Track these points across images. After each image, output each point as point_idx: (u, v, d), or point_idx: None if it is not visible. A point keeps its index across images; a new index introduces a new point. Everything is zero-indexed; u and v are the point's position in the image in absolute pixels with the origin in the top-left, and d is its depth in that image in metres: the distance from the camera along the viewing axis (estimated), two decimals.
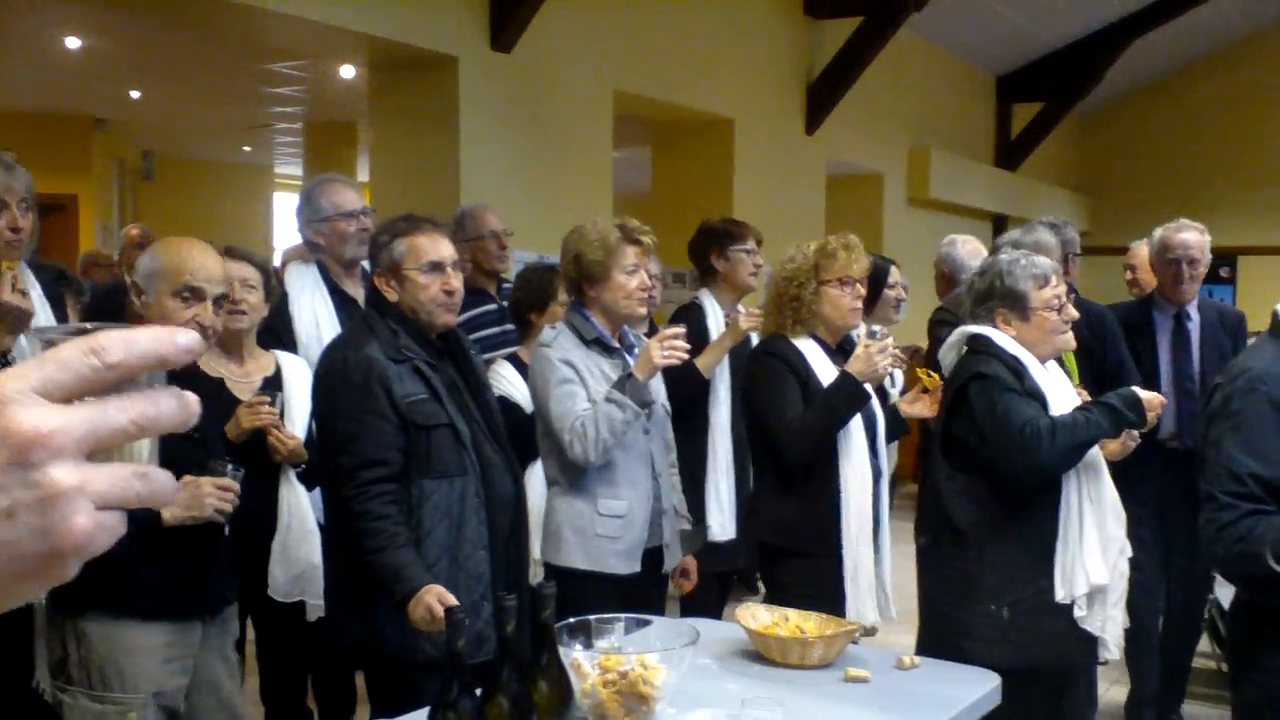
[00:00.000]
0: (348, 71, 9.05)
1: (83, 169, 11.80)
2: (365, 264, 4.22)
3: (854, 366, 3.49)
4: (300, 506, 3.52)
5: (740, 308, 4.92)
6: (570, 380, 3.43)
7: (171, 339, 0.64)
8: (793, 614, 2.80)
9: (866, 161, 10.98)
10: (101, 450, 0.63)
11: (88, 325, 0.68)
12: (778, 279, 3.72)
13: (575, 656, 2.19)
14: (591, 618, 2.38)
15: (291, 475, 3.52)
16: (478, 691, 1.99)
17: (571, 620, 2.32)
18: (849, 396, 3.49)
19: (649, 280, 3.59)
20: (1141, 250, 6.49)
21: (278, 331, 3.78)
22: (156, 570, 2.71)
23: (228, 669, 2.97)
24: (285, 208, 15.80)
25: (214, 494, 2.72)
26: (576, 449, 3.37)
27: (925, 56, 11.66)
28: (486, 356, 4.29)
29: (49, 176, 10.14)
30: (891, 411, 3.86)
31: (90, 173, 11.91)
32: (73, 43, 8.68)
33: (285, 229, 14.65)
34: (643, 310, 3.63)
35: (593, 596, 3.26)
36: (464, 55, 6.68)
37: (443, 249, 3.06)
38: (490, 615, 2.90)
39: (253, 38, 7.21)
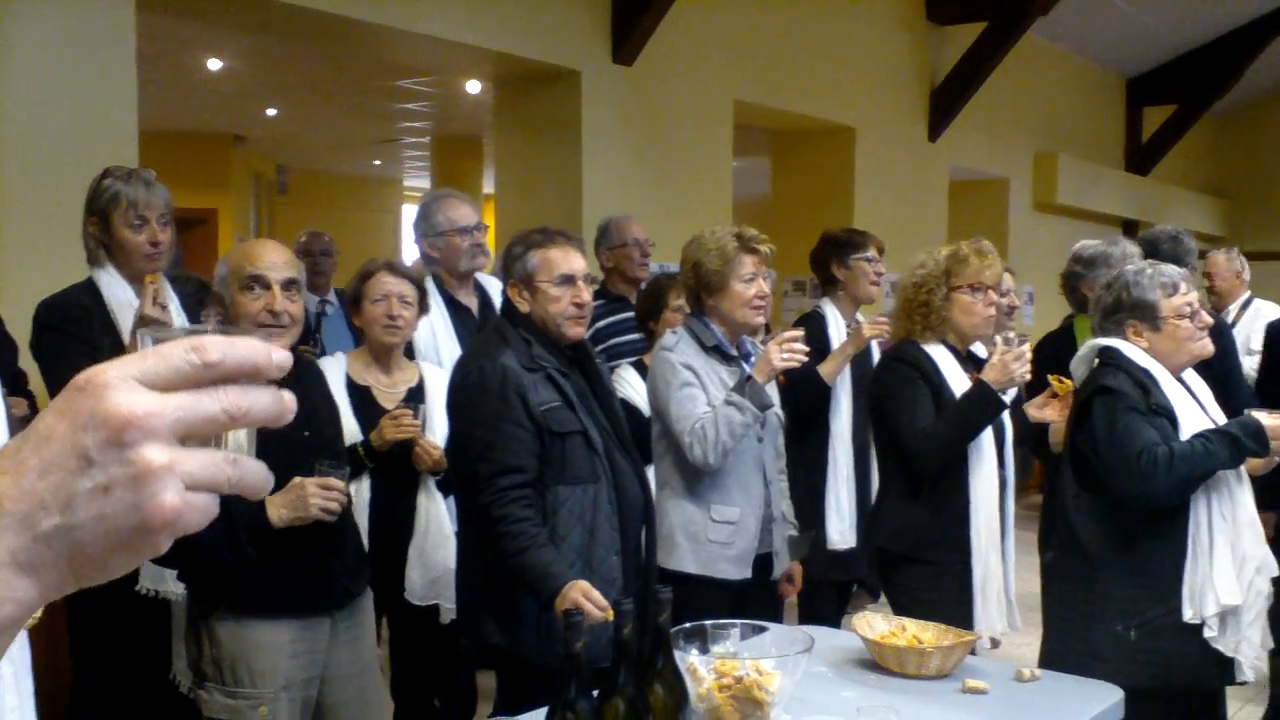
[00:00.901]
0: (474, 87, 9.24)
1: (222, 184, 12.25)
2: (479, 276, 4.35)
3: (989, 375, 3.42)
4: (438, 513, 3.63)
5: (860, 316, 4.91)
6: (691, 384, 3.47)
7: (267, 352, 0.68)
8: (910, 623, 2.79)
9: (991, 167, 10.81)
10: (194, 436, 0.67)
11: (199, 326, 0.73)
12: (907, 284, 3.70)
13: (691, 661, 2.22)
14: (707, 623, 2.40)
15: (430, 483, 3.64)
16: (595, 693, 2.04)
17: (688, 625, 2.36)
18: (984, 406, 3.44)
19: (766, 289, 3.60)
20: (1219, 258, 6.29)
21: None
22: (277, 570, 2.79)
23: (361, 662, 3.03)
24: (412, 220, 16.18)
25: (318, 494, 2.77)
26: (696, 451, 3.41)
27: (1052, 59, 11.44)
28: (614, 363, 4.38)
29: (191, 192, 10.58)
30: (1018, 416, 3.81)
31: (229, 188, 12.36)
32: (214, 64, 9.05)
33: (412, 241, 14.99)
34: (759, 319, 3.65)
35: (704, 601, 3.29)
36: (587, 69, 6.79)
37: (574, 262, 3.11)
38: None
39: (383, 55, 7.42)
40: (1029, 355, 3.46)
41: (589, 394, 3.14)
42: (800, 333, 3.57)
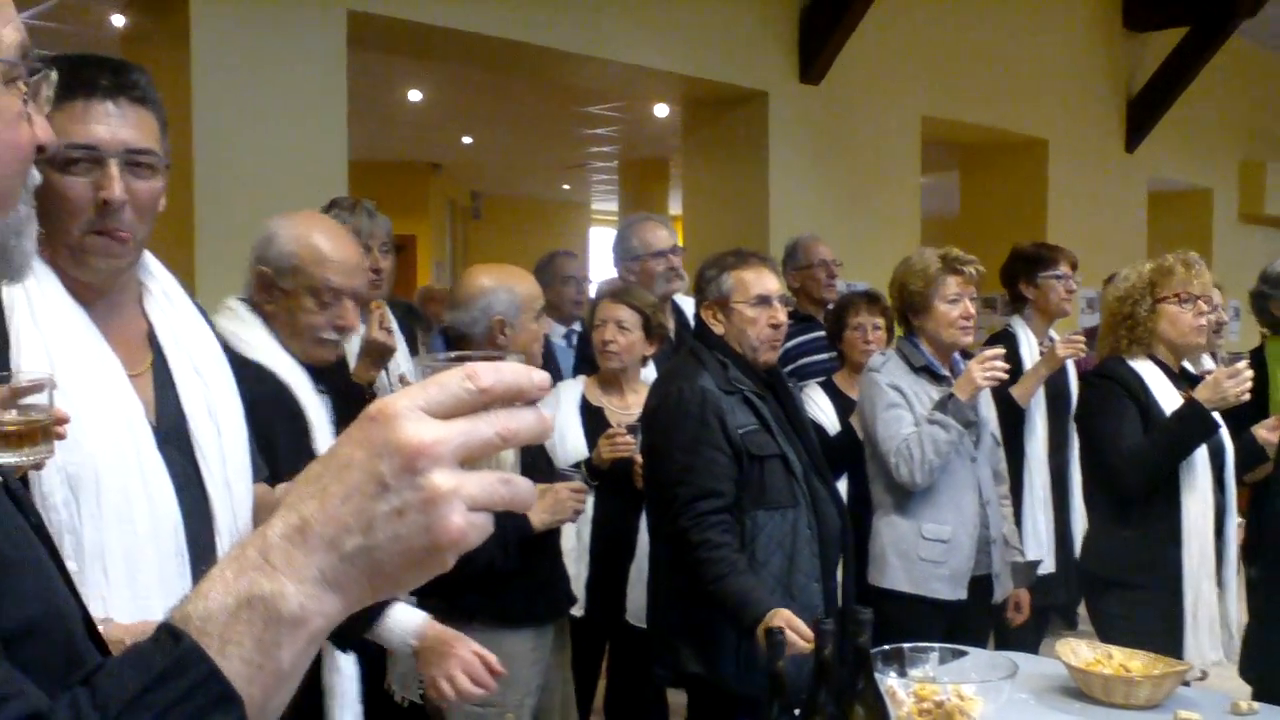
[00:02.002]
0: (661, 110, 9.40)
1: (421, 211, 12.73)
2: (675, 298, 4.43)
3: (1202, 393, 3.30)
4: None
5: (1054, 334, 4.81)
6: (897, 404, 3.48)
7: (529, 375, 0.75)
8: (1117, 651, 2.73)
9: (1192, 177, 10.39)
10: (472, 460, 0.73)
11: (465, 354, 0.81)
12: (1110, 299, 3.62)
13: (890, 684, 2.23)
14: (905, 646, 2.41)
15: None
16: (795, 712, 2.07)
17: (886, 647, 2.36)
18: (1196, 425, 3.31)
19: (971, 309, 3.59)
20: None
21: (591, 359, 4.02)
22: (524, 578, 2.89)
23: (564, 672, 3.14)
24: (600, 242, 16.48)
25: (571, 498, 2.93)
26: (903, 471, 3.41)
27: (1259, 63, 10.93)
28: (802, 383, 4.40)
29: (393, 220, 11.02)
30: (1244, 439, 3.64)
31: (427, 214, 12.83)
32: (414, 95, 9.45)
33: (601, 262, 15.27)
34: (966, 338, 3.64)
35: (917, 620, 3.28)
36: (774, 89, 6.84)
37: (769, 283, 3.15)
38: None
39: (574, 82, 7.63)
40: (1248, 375, 3.33)
41: (783, 417, 3.15)
42: (1001, 350, 3.55)
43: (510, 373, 0.74)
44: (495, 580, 2.81)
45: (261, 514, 1.87)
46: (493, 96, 9.52)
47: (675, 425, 3.03)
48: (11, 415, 1.45)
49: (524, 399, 0.75)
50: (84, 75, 1.69)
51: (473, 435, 0.72)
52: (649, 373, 3.89)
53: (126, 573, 1.65)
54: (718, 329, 3.15)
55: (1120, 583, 3.46)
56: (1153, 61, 9.29)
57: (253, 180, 4.74)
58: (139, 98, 1.73)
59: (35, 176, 1.04)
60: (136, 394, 1.72)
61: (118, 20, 5.25)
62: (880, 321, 4.30)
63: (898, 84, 7.53)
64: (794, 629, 2.60)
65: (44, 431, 1.48)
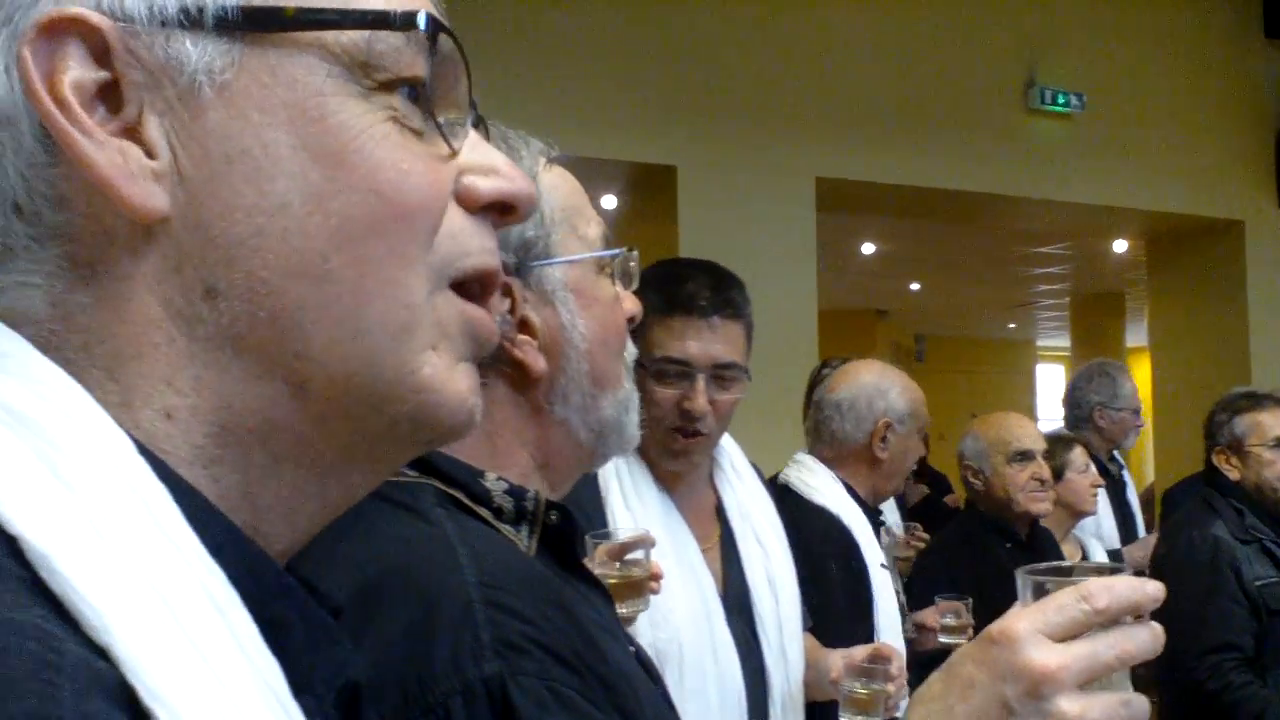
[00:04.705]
0: (1119, 246, 9.16)
1: (866, 354, 12.94)
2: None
3: None
4: None
5: None
6: None
7: (1143, 589, 0.77)
8: None
9: None
10: (1091, 681, 0.76)
11: (1077, 565, 0.88)
12: None
13: None
14: None
15: None
16: None
17: None
18: None
19: None
20: None
21: None
22: None
23: None
24: (1047, 380, 16.01)
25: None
26: None
27: None
28: None
29: None
30: None
31: (871, 357, 13.04)
32: (868, 248, 9.81)
33: (1048, 400, 14.82)
34: None
35: None
36: (1250, 218, 6.54)
37: None
38: None
39: (1025, 226, 7.63)
40: None
41: None
42: None
43: (1124, 589, 0.77)
44: None
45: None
46: (943, 245, 9.67)
47: (1185, 573, 2.94)
48: (615, 569, 1.60)
49: (1139, 611, 0.77)
50: (686, 292, 1.87)
51: (1095, 660, 0.75)
52: None
53: None
54: (1232, 475, 3.07)
55: None
56: None
57: None
58: (732, 314, 1.89)
59: (631, 350, 1.15)
60: (709, 568, 1.87)
61: (609, 201, 5.88)
62: None
63: None
64: None
65: (641, 586, 1.62)
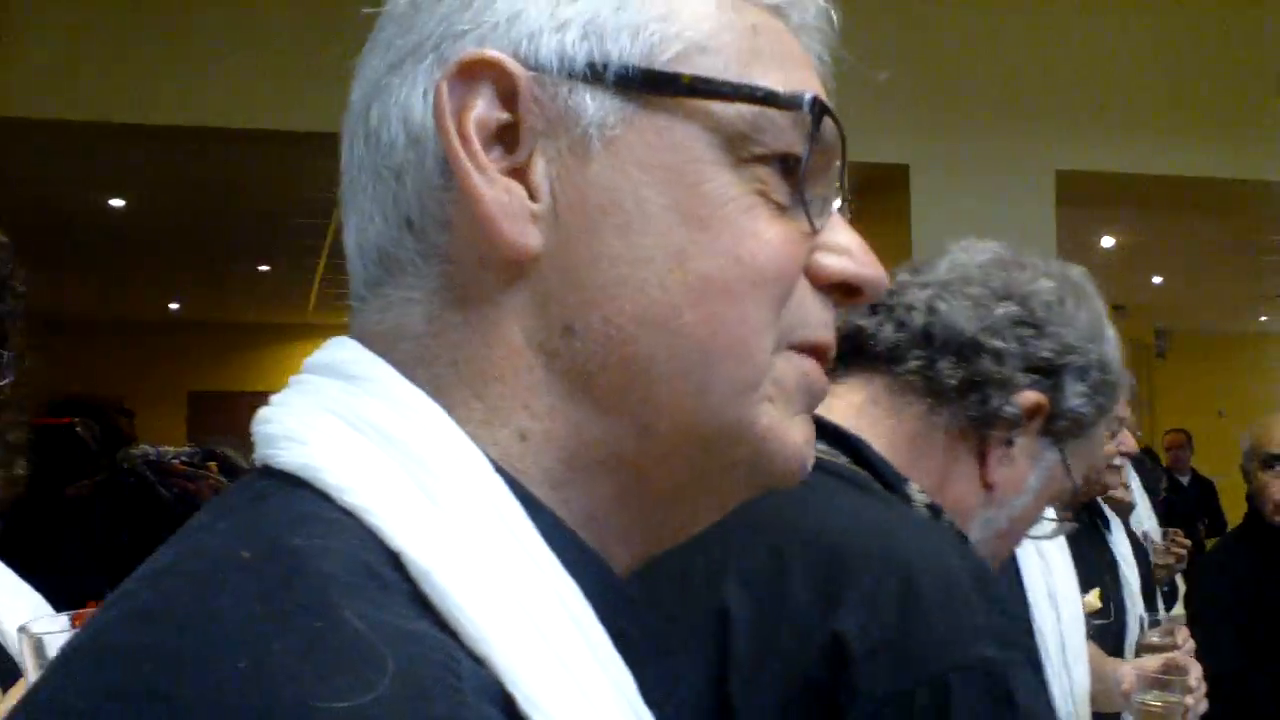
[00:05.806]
0: None
1: None
2: None
3: None
4: None
5: None
6: None
7: None
8: None
9: None
10: None
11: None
12: None
13: None
14: None
15: None
16: None
17: None
18: None
19: None
20: None
21: None
22: None
23: None
24: None
25: None
26: None
27: None
28: None
29: None
30: None
31: None
32: (1107, 241, 9.50)
33: None
34: None
35: None
36: None
37: None
38: None
39: (1275, 213, 7.27)
40: None
41: None
42: None
43: None
44: None
45: None
46: (1186, 236, 9.28)
47: None
48: (1154, 694, 1.65)
49: None
50: None
51: None
52: None
53: None
54: None
55: None
56: None
57: None
58: None
59: None
60: None
61: None
62: None
63: None
64: None
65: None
